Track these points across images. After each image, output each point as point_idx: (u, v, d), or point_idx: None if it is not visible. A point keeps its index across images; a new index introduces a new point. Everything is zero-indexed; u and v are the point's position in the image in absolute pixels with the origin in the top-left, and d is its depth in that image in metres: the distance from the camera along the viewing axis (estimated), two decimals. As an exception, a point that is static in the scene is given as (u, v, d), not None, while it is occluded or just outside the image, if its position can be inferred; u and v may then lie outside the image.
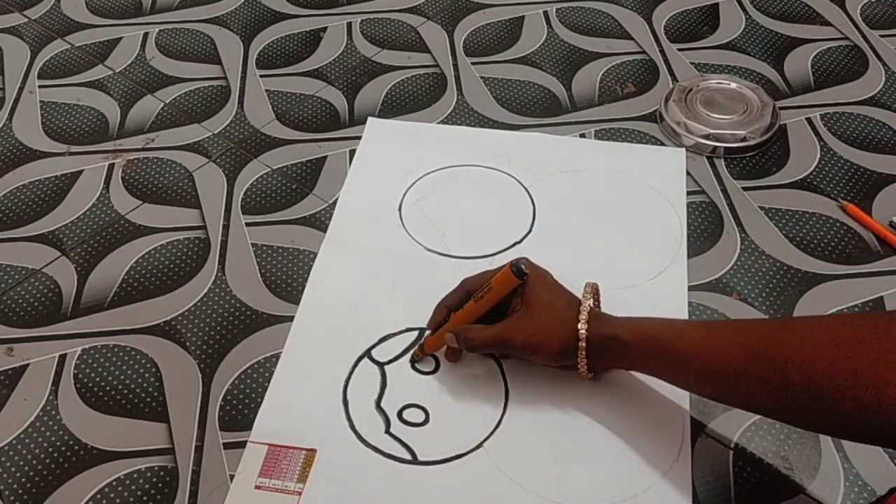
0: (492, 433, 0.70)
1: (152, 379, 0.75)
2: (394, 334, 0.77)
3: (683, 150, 0.94)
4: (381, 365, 0.75)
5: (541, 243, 0.85)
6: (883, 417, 0.51)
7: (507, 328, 0.68)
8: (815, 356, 0.54)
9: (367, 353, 0.76)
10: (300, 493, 0.67)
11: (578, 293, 0.70)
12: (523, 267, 0.69)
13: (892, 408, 0.50)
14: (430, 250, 0.85)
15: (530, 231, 0.86)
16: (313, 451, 0.69)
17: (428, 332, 0.75)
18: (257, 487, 0.67)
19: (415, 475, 0.68)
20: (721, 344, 0.60)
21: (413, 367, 0.75)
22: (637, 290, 0.80)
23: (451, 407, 0.72)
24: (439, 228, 0.87)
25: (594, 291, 0.71)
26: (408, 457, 0.69)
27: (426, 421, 0.71)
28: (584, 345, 0.66)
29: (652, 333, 0.65)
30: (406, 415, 0.72)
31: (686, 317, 0.78)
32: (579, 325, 0.66)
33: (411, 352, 0.75)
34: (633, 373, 0.71)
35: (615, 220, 0.87)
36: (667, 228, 0.86)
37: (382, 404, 0.72)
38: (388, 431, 0.71)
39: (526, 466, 0.68)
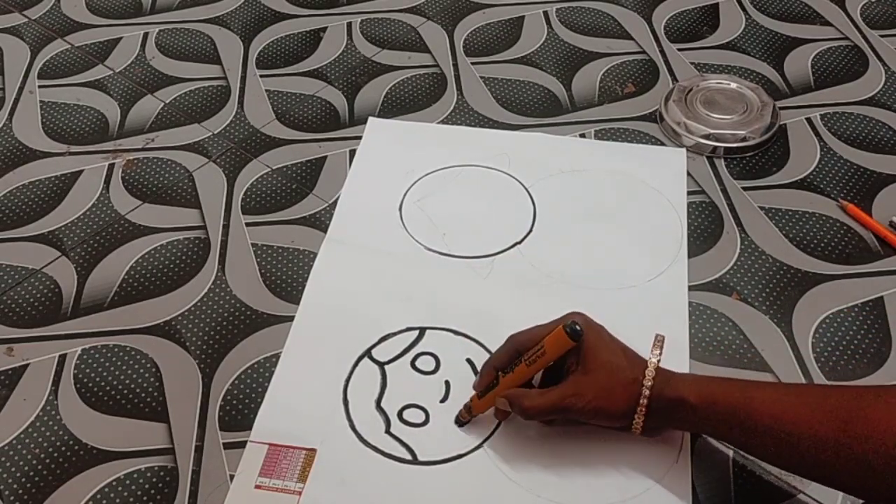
0: (492, 433, 0.70)
1: (152, 379, 0.75)
2: (394, 334, 0.77)
3: (684, 150, 0.94)
4: (381, 365, 0.75)
5: (541, 243, 0.85)
6: None
7: (565, 393, 0.64)
8: None
9: (368, 353, 0.76)
10: (300, 493, 0.67)
11: (578, 298, 0.70)
12: (578, 327, 0.64)
13: None
14: (430, 250, 0.85)
15: (530, 231, 0.86)
16: (313, 451, 0.69)
17: (474, 394, 0.70)
18: (257, 487, 0.67)
19: (415, 475, 0.68)
20: (799, 409, 0.56)
21: (457, 425, 0.71)
22: (637, 290, 0.80)
23: (451, 407, 0.72)
24: (440, 228, 0.87)
25: (661, 346, 0.66)
26: (408, 457, 0.69)
27: (426, 421, 0.71)
28: (645, 404, 0.62)
29: (720, 395, 0.60)
30: (406, 415, 0.72)
31: (686, 317, 0.78)
32: (644, 387, 0.62)
33: (456, 413, 0.71)
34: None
35: (615, 220, 0.87)
36: (667, 228, 0.86)
37: (382, 404, 0.72)
38: (388, 431, 0.70)
39: (526, 467, 0.68)
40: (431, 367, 0.75)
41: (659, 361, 0.64)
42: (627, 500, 0.66)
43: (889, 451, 0.51)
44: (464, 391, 0.72)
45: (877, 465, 0.52)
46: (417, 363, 0.75)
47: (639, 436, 0.65)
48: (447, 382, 0.74)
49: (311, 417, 0.71)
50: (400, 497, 0.66)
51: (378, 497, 0.66)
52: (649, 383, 0.63)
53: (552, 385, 0.65)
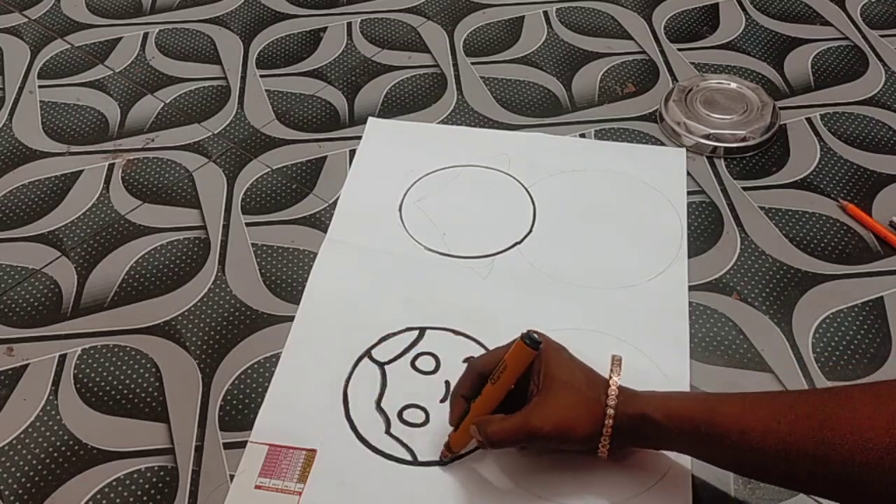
0: (492, 433, 0.70)
1: (152, 379, 0.75)
2: (394, 334, 0.77)
3: (684, 150, 0.94)
4: (381, 365, 0.75)
5: (541, 243, 0.85)
6: None
7: (529, 416, 0.62)
8: (871, 431, 0.50)
9: (368, 353, 0.76)
10: (300, 494, 0.67)
11: (578, 298, 0.69)
12: (536, 336, 0.63)
13: None
14: (430, 250, 0.85)
15: (530, 231, 0.86)
16: (313, 451, 0.69)
17: (451, 430, 0.68)
18: (257, 487, 0.67)
19: (415, 475, 0.68)
20: (764, 421, 0.55)
21: (441, 464, 0.68)
22: (637, 290, 0.80)
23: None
24: (440, 228, 0.87)
25: (618, 365, 0.64)
26: (408, 457, 0.69)
27: (426, 421, 0.71)
28: (610, 424, 0.61)
29: (683, 410, 0.59)
30: (406, 415, 0.72)
31: (686, 317, 0.78)
32: (608, 406, 0.61)
33: (442, 446, 0.68)
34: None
35: (615, 220, 0.87)
36: (667, 228, 0.86)
37: (382, 404, 0.72)
38: (388, 432, 0.70)
39: (526, 467, 0.68)
40: (431, 367, 0.75)
41: (619, 380, 0.63)
42: (627, 500, 0.66)
43: (867, 455, 0.51)
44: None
45: (854, 480, 0.51)
46: (417, 363, 0.75)
47: (605, 460, 0.64)
48: (447, 382, 0.74)
49: (311, 418, 0.71)
50: (400, 497, 0.66)
51: (378, 497, 0.66)
52: (613, 402, 0.61)
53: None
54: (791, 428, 0.54)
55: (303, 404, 0.72)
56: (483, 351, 0.75)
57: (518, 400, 0.64)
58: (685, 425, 0.59)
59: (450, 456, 0.68)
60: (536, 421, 0.61)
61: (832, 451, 0.52)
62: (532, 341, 0.62)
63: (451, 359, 0.75)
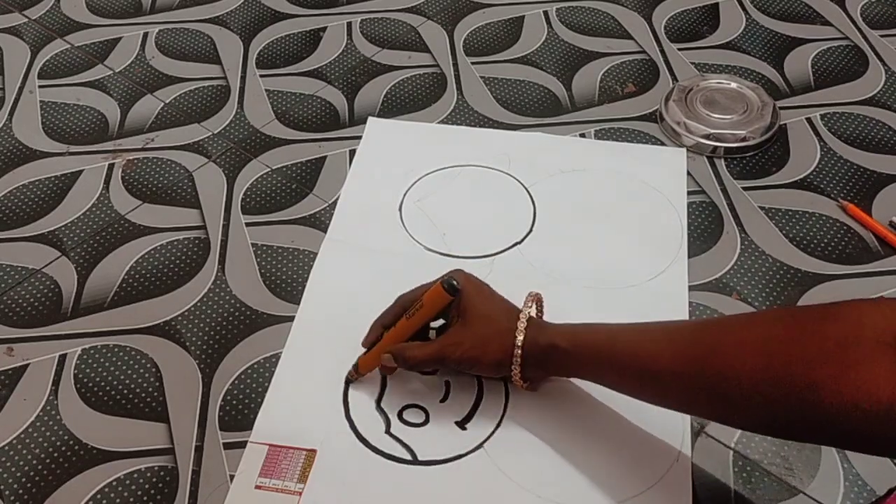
0: (492, 433, 0.70)
1: (152, 379, 0.75)
2: (394, 334, 0.77)
3: (684, 149, 0.94)
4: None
5: (541, 243, 0.85)
6: (815, 418, 0.50)
7: (443, 344, 0.68)
8: (747, 354, 0.54)
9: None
10: (300, 494, 0.67)
11: (579, 297, 0.70)
12: (455, 283, 0.67)
13: (824, 407, 0.50)
14: (430, 250, 0.85)
15: (530, 231, 0.86)
16: (313, 451, 0.69)
17: (363, 351, 0.73)
18: (257, 487, 0.67)
19: (415, 475, 0.68)
20: (653, 346, 0.60)
21: (347, 384, 0.73)
22: (637, 290, 0.80)
23: (451, 407, 0.72)
24: (440, 228, 0.87)
25: (536, 301, 0.70)
26: (408, 457, 0.69)
27: (426, 421, 0.71)
28: (520, 353, 0.65)
29: (588, 339, 0.64)
30: (406, 415, 0.72)
31: (686, 317, 0.78)
32: (517, 335, 0.65)
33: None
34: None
35: (615, 220, 0.87)
36: (667, 228, 0.86)
37: (383, 404, 0.72)
38: (388, 431, 0.70)
39: (526, 467, 0.68)
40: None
41: (536, 315, 0.67)
42: (627, 500, 0.66)
43: (732, 379, 0.54)
44: (464, 391, 0.73)
45: (724, 392, 0.54)
46: (353, 383, 0.75)
47: (524, 388, 0.69)
48: (447, 382, 0.74)
49: (311, 417, 0.71)
50: (400, 497, 0.66)
51: (378, 497, 0.66)
52: (522, 332, 0.65)
53: None
54: (679, 351, 0.58)
55: (303, 404, 0.72)
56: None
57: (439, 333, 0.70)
58: (590, 353, 0.64)
59: (356, 377, 0.73)
60: (449, 347, 0.67)
61: (715, 373, 0.55)
62: (450, 287, 0.67)
63: (451, 359, 0.75)
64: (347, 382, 0.73)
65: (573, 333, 0.65)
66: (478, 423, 0.71)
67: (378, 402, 0.73)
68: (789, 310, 0.73)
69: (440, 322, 0.72)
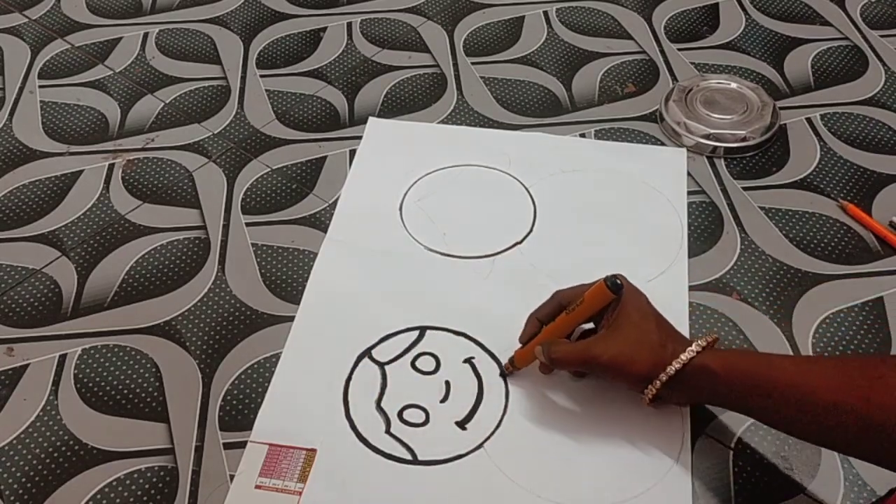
0: (492, 433, 0.70)
1: (152, 379, 0.75)
2: (394, 334, 0.77)
3: (684, 150, 0.94)
4: (381, 365, 0.75)
5: (541, 243, 0.85)
6: None
7: (592, 345, 0.66)
8: None
9: (368, 353, 0.76)
10: (300, 493, 0.67)
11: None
12: (619, 282, 0.66)
13: None
14: (430, 250, 0.85)
15: (531, 231, 0.86)
16: (313, 451, 0.69)
17: (519, 346, 0.72)
18: (257, 487, 0.67)
19: (415, 475, 0.68)
20: (818, 378, 0.57)
21: (502, 377, 0.73)
22: (637, 290, 0.80)
23: (451, 407, 0.72)
24: (440, 228, 0.87)
25: (709, 341, 0.65)
26: (408, 457, 0.69)
27: (426, 421, 0.71)
28: (673, 371, 0.63)
29: (742, 363, 0.62)
30: (406, 415, 0.72)
31: (686, 317, 0.78)
32: (682, 355, 0.63)
33: (503, 363, 0.74)
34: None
35: (615, 220, 0.87)
36: (667, 228, 0.86)
37: (383, 404, 0.72)
38: (388, 431, 0.70)
39: (526, 467, 0.68)
40: (431, 367, 0.75)
41: (701, 349, 0.64)
42: (628, 500, 0.66)
43: None
44: (464, 391, 0.73)
45: (888, 430, 0.52)
46: (417, 363, 0.75)
47: (648, 405, 0.67)
48: (447, 382, 0.74)
49: (311, 417, 0.71)
50: (400, 497, 0.66)
51: (378, 497, 0.66)
52: (693, 352, 0.63)
53: None
54: (841, 385, 0.56)
55: (303, 404, 0.72)
56: (482, 351, 0.76)
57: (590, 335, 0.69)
58: (742, 377, 0.61)
59: (511, 370, 0.73)
60: (597, 350, 0.65)
61: (878, 410, 0.53)
62: (613, 285, 0.66)
63: (451, 359, 0.75)
64: (502, 375, 0.73)
65: (724, 357, 0.63)
66: (478, 423, 0.71)
67: (378, 402, 0.73)
68: None
69: (590, 325, 0.71)
